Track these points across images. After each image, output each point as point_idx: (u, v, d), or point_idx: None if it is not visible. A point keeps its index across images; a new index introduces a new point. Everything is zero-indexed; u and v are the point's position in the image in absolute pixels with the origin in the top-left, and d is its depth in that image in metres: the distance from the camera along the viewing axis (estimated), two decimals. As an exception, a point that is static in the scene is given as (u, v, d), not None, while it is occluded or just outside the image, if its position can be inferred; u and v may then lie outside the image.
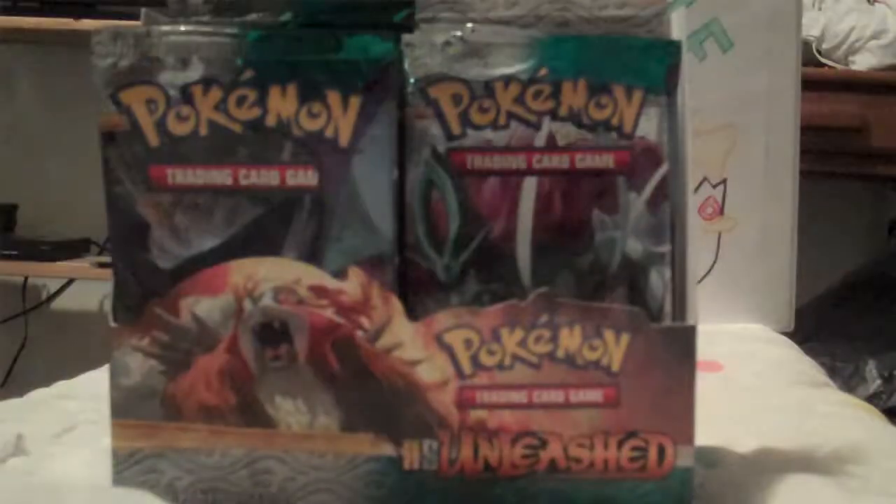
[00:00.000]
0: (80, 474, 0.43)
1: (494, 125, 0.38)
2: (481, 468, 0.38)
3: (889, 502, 0.41)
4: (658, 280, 0.38)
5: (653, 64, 0.38)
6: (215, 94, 0.37)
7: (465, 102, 0.38)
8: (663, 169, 0.38)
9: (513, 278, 0.38)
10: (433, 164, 0.38)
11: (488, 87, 0.37)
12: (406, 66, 0.38)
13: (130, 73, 0.37)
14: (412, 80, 0.38)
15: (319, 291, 0.37)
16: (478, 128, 0.38)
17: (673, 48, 0.38)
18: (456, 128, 0.38)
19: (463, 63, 0.38)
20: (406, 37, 0.38)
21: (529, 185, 0.38)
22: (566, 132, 0.38)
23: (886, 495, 0.42)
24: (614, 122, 0.38)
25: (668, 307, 0.38)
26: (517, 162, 0.38)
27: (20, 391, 0.60)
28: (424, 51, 0.38)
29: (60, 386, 0.61)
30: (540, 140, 0.38)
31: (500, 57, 0.38)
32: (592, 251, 0.38)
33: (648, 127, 0.38)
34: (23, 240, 1.93)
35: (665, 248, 0.38)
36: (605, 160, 0.38)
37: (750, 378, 0.68)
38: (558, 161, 0.38)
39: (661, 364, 0.37)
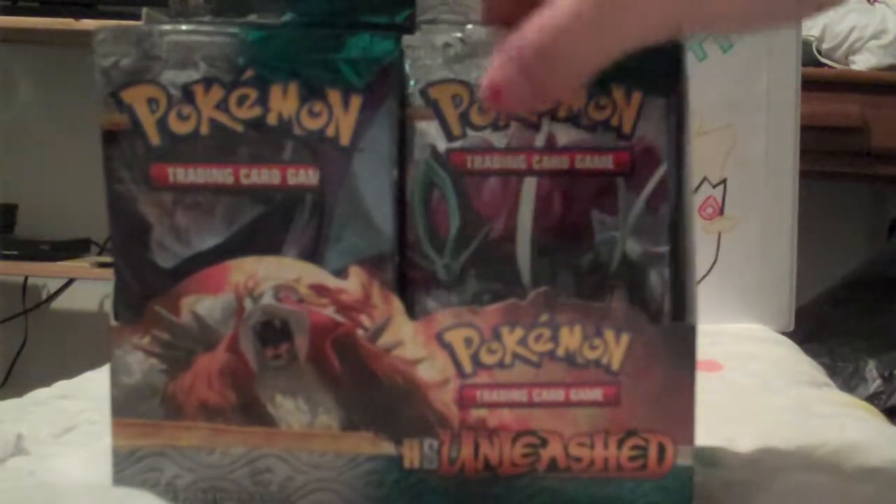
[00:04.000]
0: (80, 474, 0.43)
1: (494, 126, 0.38)
2: (482, 467, 0.38)
3: (889, 502, 0.41)
4: (657, 280, 0.38)
5: (652, 65, 0.38)
6: (216, 93, 0.37)
7: (466, 103, 0.38)
8: (662, 169, 0.38)
9: (513, 278, 0.38)
10: (433, 164, 0.38)
11: None
12: (407, 67, 0.38)
13: (132, 72, 0.37)
14: (413, 82, 0.38)
15: (320, 290, 0.37)
16: (478, 128, 0.38)
17: (673, 49, 0.38)
18: (456, 128, 0.38)
19: (463, 64, 0.38)
20: (406, 38, 0.38)
21: (529, 186, 0.38)
22: (566, 133, 0.38)
23: (886, 495, 0.42)
24: (613, 122, 0.38)
25: (667, 307, 0.38)
26: (517, 162, 0.38)
27: (20, 391, 0.60)
28: (425, 52, 0.38)
29: (60, 386, 0.61)
30: (540, 141, 0.38)
31: None
32: (592, 251, 0.38)
33: (648, 128, 0.38)
34: (23, 240, 1.93)
35: (664, 249, 0.38)
36: (605, 161, 0.38)
37: (750, 378, 0.68)
38: (558, 162, 0.38)
39: (661, 363, 0.37)
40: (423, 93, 0.38)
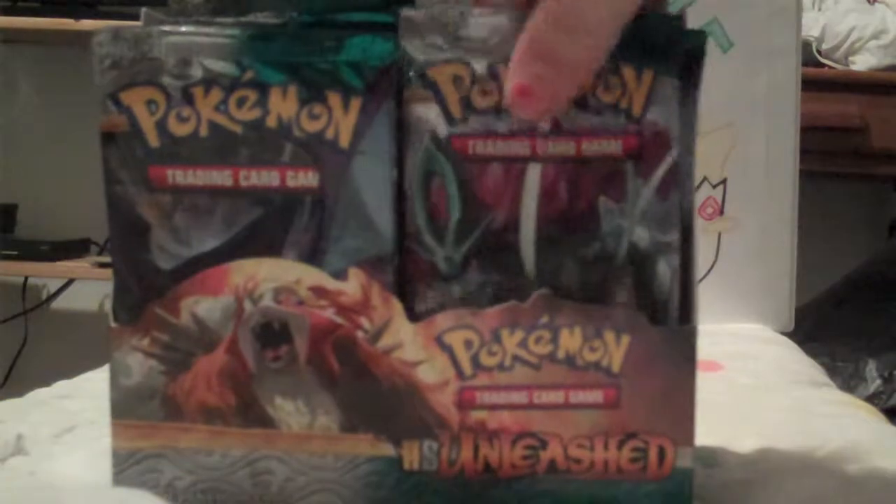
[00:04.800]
0: (80, 474, 0.43)
1: (497, 109, 0.37)
2: (481, 469, 0.38)
3: (889, 502, 0.41)
4: (665, 269, 0.37)
5: (665, 42, 0.36)
6: (216, 94, 0.37)
7: (467, 85, 0.37)
8: (673, 154, 0.37)
9: (516, 269, 0.37)
10: (433, 150, 0.37)
11: (491, 68, 0.37)
12: (405, 47, 0.36)
13: (131, 73, 0.37)
14: (411, 64, 0.36)
15: (319, 292, 0.37)
16: (480, 112, 0.37)
17: (693, 32, 0.37)
18: (457, 112, 0.37)
19: (463, 43, 0.36)
20: (405, 12, 0.36)
21: (533, 173, 0.37)
22: (572, 116, 0.37)
23: (886, 495, 0.42)
24: (623, 104, 0.36)
25: (675, 298, 0.37)
26: (521, 148, 0.37)
27: (20, 391, 0.60)
28: (423, 28, 0.36)
29: (60, 386, 0.61)
30: (545, 125, 0.37)
31: (503, 37, 0.36)
32: (598, 240, 0.37)
33: (658, 110, 0.37)
34: (23, 240, 1.93)
35: (674, 237, 0.37)
36: (613, 146, 0.37)
37: (750, 378, 0.68)
38: (564, 147, 0.37)
39: (661, 365, 0.37)
40: (422, 75, 0.37)
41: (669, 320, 0.38)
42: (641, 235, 0.37)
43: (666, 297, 0.37)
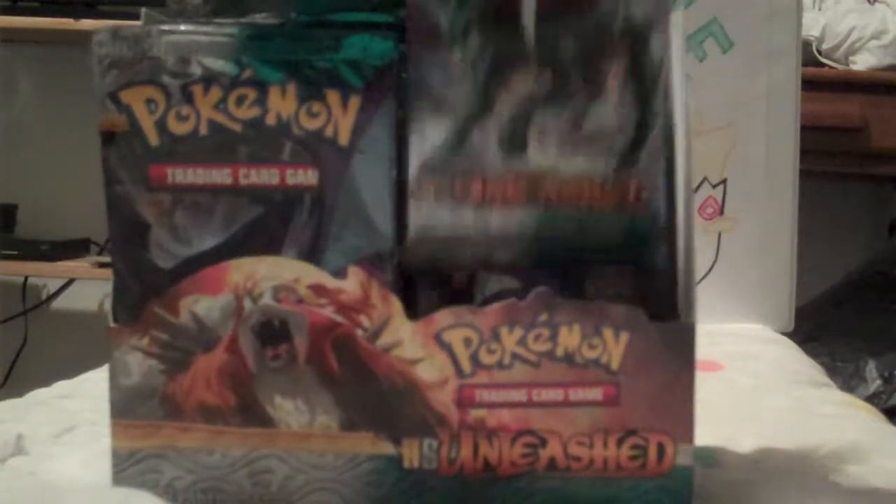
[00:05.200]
0: (80, 474, 0.43)
1: None
2: (481, 467, 0.38)
3: (889, 502, 0.41)
4: (658, 44, 0.38)
5: None
6: (215, 93, 0.37)
7: None
8: None
9: (516, 37, 0.38)
10: None
11: None
12: None
13: (130, 72, 0.37)
14: None
15: (319, 290, 0.37)
16: None
17: None
18: None
19: None
20: None
21: None
22: None
23: (886, 495, 0.42)
24: None
25: (664, 77, 0.38)
26: None
27: (20, 391, 0.60)
28: None
29: (60, 386, 0.61)
30: None
31: None
32: (595, 14, 0.38)
33: None
34: (23, 240, 1.93)
35: (666, 12, 0.38)
36: None
37: (750, 378, 0.68)
38: None
39: (660, 362, 0.37)
40: None
41: (655, 103, 0.38)
42: (637, 9, 0.37)
43: (655, 75, 0.37)
